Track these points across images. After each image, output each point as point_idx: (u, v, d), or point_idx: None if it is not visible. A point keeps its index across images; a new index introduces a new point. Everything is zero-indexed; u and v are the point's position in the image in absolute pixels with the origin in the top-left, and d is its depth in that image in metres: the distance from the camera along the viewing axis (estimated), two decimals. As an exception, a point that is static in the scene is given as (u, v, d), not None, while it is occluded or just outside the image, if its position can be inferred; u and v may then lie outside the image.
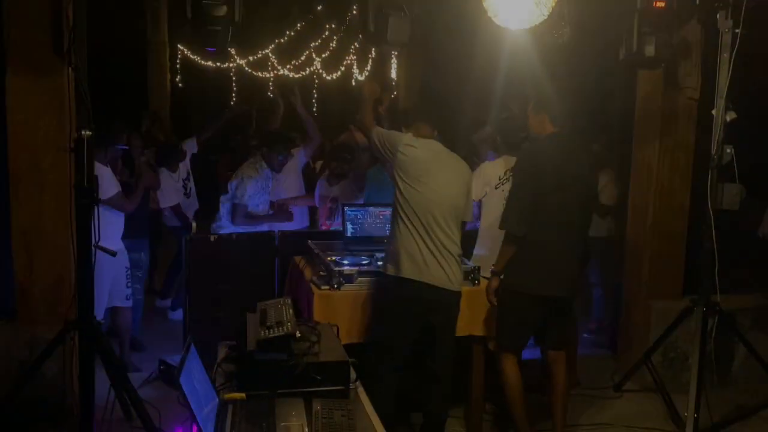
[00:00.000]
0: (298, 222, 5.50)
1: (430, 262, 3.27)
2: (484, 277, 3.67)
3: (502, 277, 3.51)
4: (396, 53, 7.33)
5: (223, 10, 3.21)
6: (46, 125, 3.49)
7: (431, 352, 3.41)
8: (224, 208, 5.11)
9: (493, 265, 3.55)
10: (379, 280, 3.45)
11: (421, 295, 3.28)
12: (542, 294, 3.45)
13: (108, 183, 4.14)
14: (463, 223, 3.50)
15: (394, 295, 3.33)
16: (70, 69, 2.90)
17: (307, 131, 5.67)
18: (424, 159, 3.32)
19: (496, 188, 4.01)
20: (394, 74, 7.97)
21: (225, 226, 5.09)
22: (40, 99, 3.46)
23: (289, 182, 5.59)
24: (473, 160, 5.20)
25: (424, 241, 3.28)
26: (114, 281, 4.44)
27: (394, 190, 3.37)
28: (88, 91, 2.95)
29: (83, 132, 2.87)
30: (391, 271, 3.33)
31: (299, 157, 5.64)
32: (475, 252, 4.09)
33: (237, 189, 5.01)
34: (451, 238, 3.34)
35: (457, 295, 3.41)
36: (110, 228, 4.39)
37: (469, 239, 3.94)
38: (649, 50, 3.71)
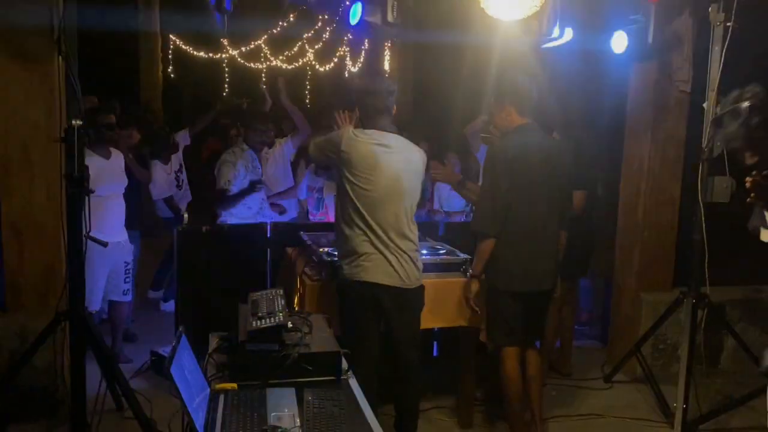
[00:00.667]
0: (287, 213, 5.51)
1: (382, 264, 3.15)
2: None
3: (483, 277, 3.49)
4: (389, 45, 7.32)
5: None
6: (36, 115, 3.46)
7: (398, 346, 3.32)
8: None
9: (470, 268, 3.54)
10: (338, 280, 3.31)
11: (379, 296, 3.18)
12: (524, 290, 3.44)
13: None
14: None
15: (351, 296, 3.22)
16: (60, 58, 2.88)
17: (296, 124, 5.67)
18: (369, 152, 3.14)
19: None
20: (387, 66, 7.96)
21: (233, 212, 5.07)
22: (29, 88, 3.44)
23: (277, 173, 5.57)
24: (467, 154, 5.21)
25: (374, 244, 3.14)
26: (112, 274, 4.44)
27: (340, 189, 3.24)
28: (78, 81, 2.92)
29: (74, 121, 2.85)
30: (346, 273, 3.20)
31: (287, 147, 5.61)
32: None
33: (217, 176, 5.01)
34: (406, 235, 3.21)
35: (416, 291, 3.29)
36: (117, 219, 4.41)
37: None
38: (648, 42, 3.72)
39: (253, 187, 4.99)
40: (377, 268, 3.15)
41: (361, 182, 3.13)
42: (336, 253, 3.42)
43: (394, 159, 3.18)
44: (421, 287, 3.33)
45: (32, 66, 3.39)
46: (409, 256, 3.22)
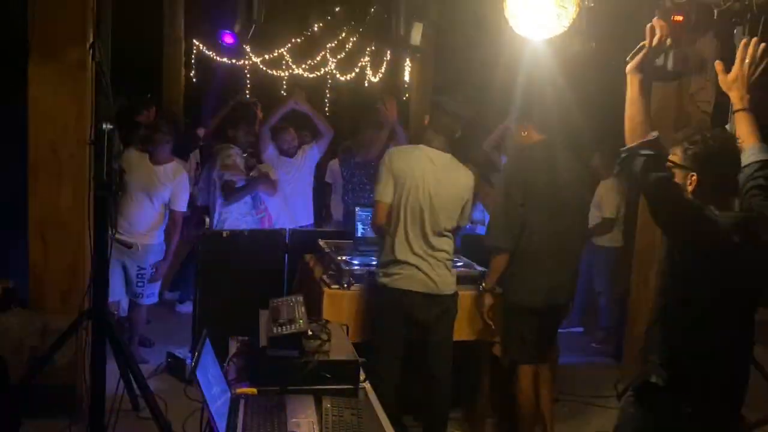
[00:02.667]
0: (304, 218, 5.51)
1: (416, 272, 3.27)
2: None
3: (498, 290, 3.51)
4: (410, 57, 7.37)
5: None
6: (67, 117, 3.54)
7: (428, 354, 3.39)
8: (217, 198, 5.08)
9: (483, 282, 3.56)
10: (371, 285, 3.45)
11: (412, 303, 3.28)
12: (543, 306, 3.44)
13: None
14: (457, 228, 3.47)
15: (383, 301, 3.34)
16: (93, 62, 2.95)
17: (317, 128, 5.64)
18: (414, 166, 3.30)
19: None
20: (407, 77, 8.02)
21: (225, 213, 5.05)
22: (60, 91, 3.52)
23: (302, 180, 5.56)
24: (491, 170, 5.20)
25: (412, 247, 3.27)
26: (127, 273, 4.50)
27: None
28: (110, 86, 2.99)
29: (104, 125, 2.92)
30: (382, 280, 3.34)
31: (312, 153, 5.59)
32: None
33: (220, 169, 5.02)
34: (440, 242, 3.32)
35: (449, 298, 3.38)
36: (140, 221, 4.50)
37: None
38: (667, 63, 3.72)
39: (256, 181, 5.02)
40: (413, 278, 3.28)
41: (403, 193, 3.27)
42: (373, 261, 3.59)
43: (439, 177, 3.32)
44: (456, 294, 3.42)
45: (65, 70, 3.47)
46: (444, 264, 3.34)
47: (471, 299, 3.64)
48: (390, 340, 3.33)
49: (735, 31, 3.59)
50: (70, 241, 3.64)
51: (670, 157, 2.16)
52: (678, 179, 2.14)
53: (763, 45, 2.25)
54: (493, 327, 3.57)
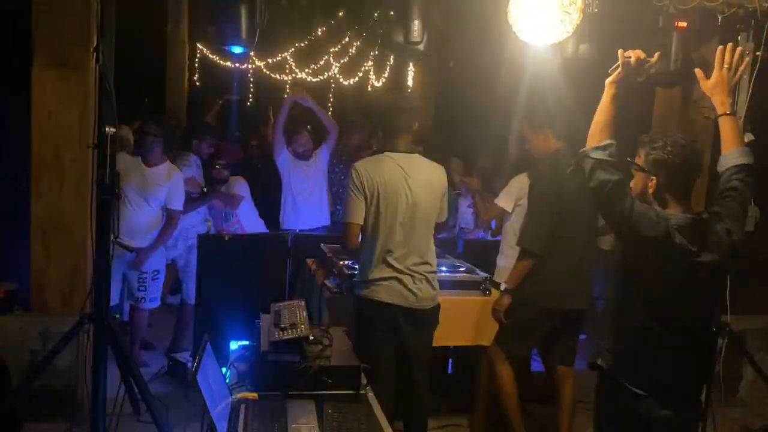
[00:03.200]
0: (317, 219, 5.38)
1: (397, 286, 3.15)
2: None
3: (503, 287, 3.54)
4: (414, 61, 7.39)
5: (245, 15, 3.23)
6: (70, 120, 3.54)
7: (410, 365, 3.30)
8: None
9: (505, 281, 3.56)
10: (354, 298, 3.30)
11: (395, 316, 3.17)
12: (556, 307, 3.46)
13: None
14: (438, 225, 3.35)
15: (367, 315, 3.22)
16: (96, 66, 2.95)
17: (325, 126, 5.51)
18: (386, 180, 3.15)
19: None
20: (410, 82, 8.03)
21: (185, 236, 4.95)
22: (64, 94, 3.52)
23: (318, 183, 5.44)
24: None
25: (391, 266, 3.14)
26: (126, 278, 4.50)
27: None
28: (113, 89, 2.99)
29: (107, 128, 2.91)
30: (364, 293, 3.20)
31: (322, 156, 5.47)
32: (500, 263, 4.06)
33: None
34: (424, 259, 3.21)
35: (431, 311, 3.28)
36: (139, 225, 4.49)
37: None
38: (670, 68, 3.72)
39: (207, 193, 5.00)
40: (393, 290, 3.16)
41: (378, 207, 3.14)
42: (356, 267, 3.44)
43: (412, 183, 3.18)
44: (437, 307, 3.32)
45: (69, 73, 3.48)
46: (426, 278, 3.22)
47: (474, 304, 3.63)
48: (379, 354, 3.18)
49: (739, 37, 3.59)
50: (72, 244, 3.64)
51: (636, 160, 2.34)
52: (638, 180, 2.33)
53: (739, 49, 2.39)
54: (506, 326, 3.56)
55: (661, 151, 2.26)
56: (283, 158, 5.32)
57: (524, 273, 3.44)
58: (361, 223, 3.17)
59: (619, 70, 2.33)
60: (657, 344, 2.29)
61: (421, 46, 3.75)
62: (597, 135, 2.29)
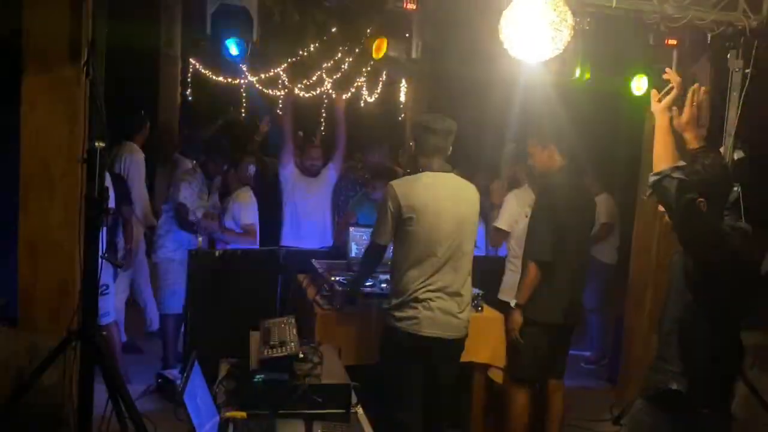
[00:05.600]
0: (320, 240, 5.16)
1: (432, 309, 3.07)
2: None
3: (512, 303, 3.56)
4: (407, 78, 7.41)
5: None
6: (59, 135, 3.51)
7: (432, 391, 3.25)
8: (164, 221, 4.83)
9: (516, 298, 3.56)
10: (386, 326, 3.22)
11: (428, 346, 3.10)
12: (560, 323, 3.49)
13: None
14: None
15: (394, 344, 3.15)
16: (86, 80, 2.93)
17: (335, 142, 5.39)
18: (424, 203, 3.11)
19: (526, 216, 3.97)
20: (402, 98, 8.05)
21: (165, 245, 4.81)
22: (54, 109, 3.49)
23: (322, 202, 5.29)
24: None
25: (427, 285, 3.07)
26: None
27: (398, 235, 3.17)
28: (104, 104, 2.97)
29: (96, 143, 2.89)
30: (398, 323, 3.11)
31: (329, 173, 5.30)
32: (506, 280, 4.07)
33: (174, 191, 4.78)
34: (459, 276, 3.14)
35: (461, 341, 3.24)
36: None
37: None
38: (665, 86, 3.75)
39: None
40: (429, 320, 3.07)
41: (414, 226, 3.08)
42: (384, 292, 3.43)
43: (455, 202, 3.17)
44: (464, 337, 3.26)
45: (58, 87, 3.44)
46: (465, 300, 3.18)
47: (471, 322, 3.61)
48: (409, 384, 3.13)
49: (729, 55, 3.63)
50: (60, 259, 3.59)
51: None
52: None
53: (704, 88, 2.52)
54: (522, 343, 3.55)
55: (703, 173, 2.33)
56: (289, 171, 5.19)
57: (534, 285, 3.44)
58: (386, 244, 3.18)
59: (672, 94, 2.44)
60: (729, 363, 2.45)
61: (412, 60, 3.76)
62: (664, 157, 2.39)
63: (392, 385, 3.08)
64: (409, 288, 3.08)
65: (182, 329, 4.67)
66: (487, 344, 3.65)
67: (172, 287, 4.71)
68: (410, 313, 3.08)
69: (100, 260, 3.01)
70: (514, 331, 3.51)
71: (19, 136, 3.55)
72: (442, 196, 3.16)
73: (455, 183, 3.26)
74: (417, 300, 3.07)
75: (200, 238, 4.66)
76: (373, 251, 3.26)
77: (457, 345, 3.21)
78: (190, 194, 4.69)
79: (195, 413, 2.01)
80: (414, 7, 3.38)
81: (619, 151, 6.08)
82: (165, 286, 4.77)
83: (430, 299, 3.07)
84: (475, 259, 3.30)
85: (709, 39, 3.93)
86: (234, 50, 3.62)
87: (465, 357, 3.65)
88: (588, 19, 3.73)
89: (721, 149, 3.65)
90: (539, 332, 3.48)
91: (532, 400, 3.63)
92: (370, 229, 4.22)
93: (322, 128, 6.58)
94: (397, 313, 3.11)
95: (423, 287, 3.07)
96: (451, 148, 3.27)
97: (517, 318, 3.50)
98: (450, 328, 3.12)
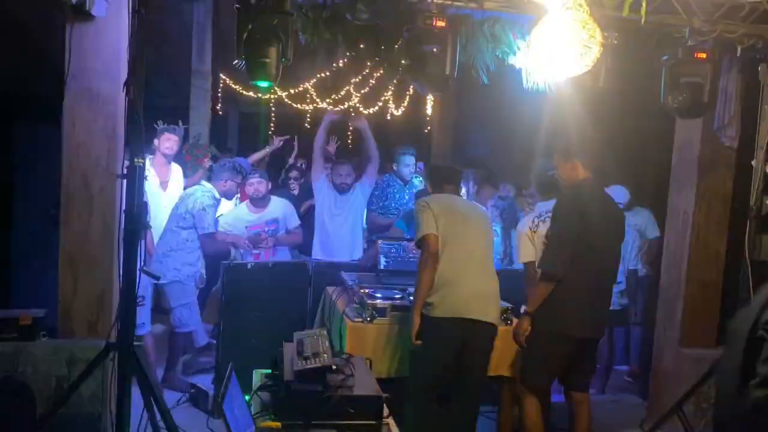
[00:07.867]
0: (347, 252, 5.21)
1: (470, 295, 3.45)
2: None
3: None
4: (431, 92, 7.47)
5: (274, 53, 3.28)
6: (98, 151, 3.63)
7: (460, 389, 3.39)
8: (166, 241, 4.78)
9: (526, 306, 3.57)
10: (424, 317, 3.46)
11: (461, 333, 3.41)
12: (577, 335, 3.46)
13: None
14: None
15: (433, 334, 3.39)
16: (126, 99, 3.02)
17: (367, 155, 5.42)
18: (448, 205, 3.64)
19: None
20: (429, 111, 8.11)
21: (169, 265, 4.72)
22: (93, 125, 3.61)
23: (353, 216, 5.32)
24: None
25: (464, 275, 3.46)
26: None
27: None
28: (143, 121, 3.06)
29: (136, 160, 2.98)
30: (434, 309, 3.44)
31: (362, 188, 5.31)
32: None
33: (199, 218, 4.71)
34: (488, 272, 3.58)
35: (493, 328, 3.52)
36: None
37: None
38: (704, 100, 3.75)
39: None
40: (467, 301, 3.46)
41: (449, 227, 3.52)
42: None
43: (469, 217, 3.66)
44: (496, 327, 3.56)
45: (98, 106, 3.57)
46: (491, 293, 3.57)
47: (500, 335, 3.63)
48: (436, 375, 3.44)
49: (759, 67, 3.61)
50: (99, 272, 3.70)
51: None
52: None
53: None
54: (528, 359, 3.58)
55: None
56: (321, 185, 5.26)
57: (545, 296, 3.45)
58: (436, 233, 3.47)
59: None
60: None
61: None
62: None
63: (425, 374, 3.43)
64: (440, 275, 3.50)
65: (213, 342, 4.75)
66: (515, 358, 3.66)
67: (188, 305, 4.75)
68: (445, 293, 3.49)
69: (138, 273, 3.08)
70: (521, 337, 3.51)
71: (60, 152, 3.69)
72: (462, 205, 3.79)
73: (468, 202, 3.92)
74: (450, 281, 3.51)
75: (233, 250, 4.73)
76: (426, 243, 3.51)
77: (480, 327, 3.50)
78: (213, 218, 4.81)
79: (233, 424, 2.06)
80: (444, 24, 3.42)
81: (649, 163, 6.04)
82: (180, 306, 4.74)
83: (463, 278, 3.54)
84: (510, 272, 3.40)
85: (739, 52, 3.91)
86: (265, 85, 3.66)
87: (494, 371, 3.67)
88: (616, 33, 3.73)
89: (753, 162, 3.63)
90: (554, 341, 3.46)
91: (544, 409, 3.61)
92: (400, 243, 4.30)
93: (337, 141, 6.59)
94: (434, 301, 3.50)
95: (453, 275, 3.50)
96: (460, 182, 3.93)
97: (525, 325, 3.50)
98: (473, 310, 3.50)
